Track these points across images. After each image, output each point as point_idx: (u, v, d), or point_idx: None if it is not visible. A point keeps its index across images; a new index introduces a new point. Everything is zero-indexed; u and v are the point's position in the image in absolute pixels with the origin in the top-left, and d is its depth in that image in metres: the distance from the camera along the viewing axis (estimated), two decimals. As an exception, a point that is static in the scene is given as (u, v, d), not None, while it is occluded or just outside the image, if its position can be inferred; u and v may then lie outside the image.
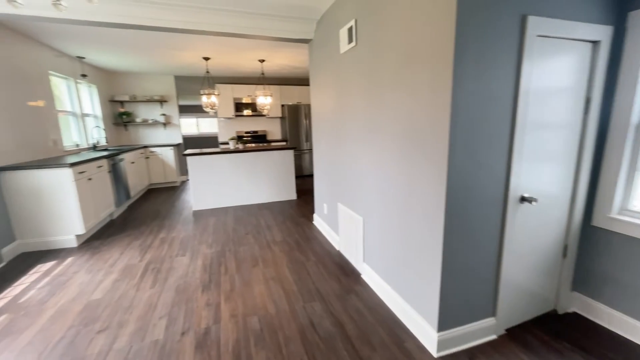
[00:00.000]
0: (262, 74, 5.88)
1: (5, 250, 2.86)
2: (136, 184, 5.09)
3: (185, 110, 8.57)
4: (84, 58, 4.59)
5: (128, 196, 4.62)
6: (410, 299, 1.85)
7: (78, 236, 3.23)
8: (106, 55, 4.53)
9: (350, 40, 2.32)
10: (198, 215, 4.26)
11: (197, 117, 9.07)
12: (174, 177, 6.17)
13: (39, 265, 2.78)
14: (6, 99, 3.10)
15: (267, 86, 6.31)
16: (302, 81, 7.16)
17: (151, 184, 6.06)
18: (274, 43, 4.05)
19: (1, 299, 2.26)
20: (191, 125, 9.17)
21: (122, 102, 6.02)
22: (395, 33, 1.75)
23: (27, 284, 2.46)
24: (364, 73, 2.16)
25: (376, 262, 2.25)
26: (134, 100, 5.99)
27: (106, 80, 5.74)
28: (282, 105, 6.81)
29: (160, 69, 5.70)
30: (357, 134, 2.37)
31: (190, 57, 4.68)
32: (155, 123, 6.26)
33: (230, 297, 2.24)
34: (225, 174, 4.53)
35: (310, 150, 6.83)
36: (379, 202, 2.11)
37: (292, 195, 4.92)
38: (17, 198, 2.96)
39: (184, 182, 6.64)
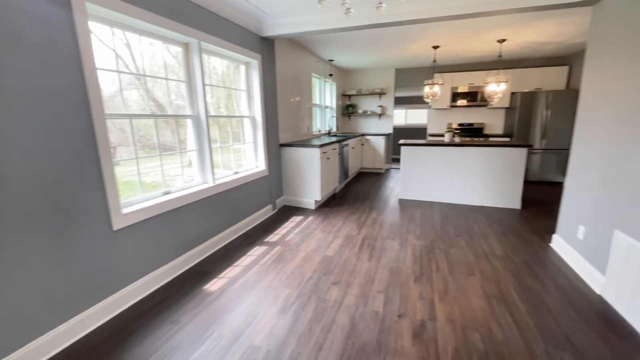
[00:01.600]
0: (500, 56, 5.06)
1: (278, 200, 4.11)
2: (352, 167, 5.92)
3: (398, 101, 9.00)
4: (332, 60, 5.70)
5: (346, 176, 5.45)
6: None
7: (316, 201, 4.14)
8: (347, 56, 5.40)
9: None
10: (404, 204, 4.38)
11: (406, 109, 9.32)
12: (381, 164, 6.68)
13: (294, 217, 3.80)
14: (286, 96, 4.34)
15: (501, 71, 5.40)
16: (548, 61, 5.62)
17: (362, 168, 6.88)
18: (525, 16, 3.31)
19: (278, 234, 3.26)
20: (401, 116, 9.55)
21: (349, 96, 7.10)
22: None
23: (288, 228, 3.42)
24: None
25: None
26: (359, 93, 6.90)
27: (342, 77, 6.91)
28: (513, 93, 5.66)
29: (385, 63, 6.17)
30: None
31: (419, 47, 4.72)
32: (372, 114, 6.95)
33: (444, 299, 2.11)
34: (435, 167, 4.34)
35: (546, 150, 5.33)
36: None
37: (515, 203, 4.05)
38: (287, 166, 4.15)
39: (387, 170, 7.08)
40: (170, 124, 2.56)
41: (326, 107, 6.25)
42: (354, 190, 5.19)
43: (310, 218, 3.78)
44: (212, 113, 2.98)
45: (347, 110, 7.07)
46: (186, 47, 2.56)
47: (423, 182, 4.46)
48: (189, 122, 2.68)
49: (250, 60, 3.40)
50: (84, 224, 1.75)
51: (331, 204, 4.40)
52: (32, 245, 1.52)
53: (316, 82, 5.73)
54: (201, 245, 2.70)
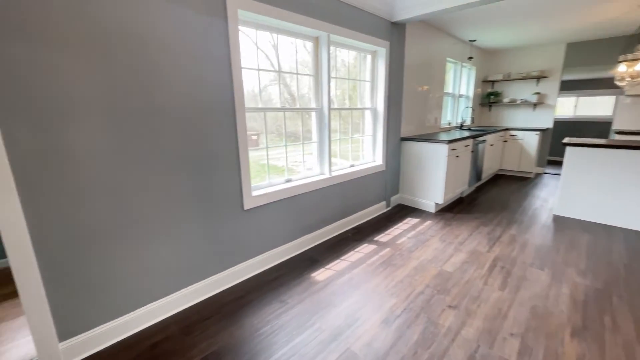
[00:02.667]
0: None
1: (393, 198, 3.88)
2: (488, 167, 4.96)
3: (565, 86, 6.95)
4: (474, 41, 4.83)
5: (479, 178, 4.61)
6: None
7: (436, 204, 3.67)
8: (496, 32, 4.44)
9: None
10: (561, 223, 3.33)
11: (577, 96, 7.08)
12: (529, 167, 5.33)
13: (409, 218, 3.49)
14: (413, 85, 3.94)
15: None
16: None
17: (500, 170, 5.70)
18: None
19: (389, 234, 3.07)
20: (567, 106, 7.35)
21: (492, 82, 5.92)
22: None
23: (401, 230, 3.16)
24: None
25: None
26: (507, 78, 5.65)
27: (484, 61, 5.82)
28: None
29: (550, 37, 4.76)
30: None
31: (619, 7, 3.36)
32: (524, 103, 5.58)
33: (626, 377, 1.44)
34: (622, 179, 3.07)
35: None
36: None
37: None
38: (407, 161, 3.83)
39: (538, 175, 5.60)
40: (301, 115, 2.73)
41: (460, 96, 5.42)
42: (488, 197, 4.34)
43: (428, 222, 3.38)
44: (335, 105, 3.00)
45: (488, 99, 5.94)
46: (316, 41, 2.63)
47: (597, 197, 3.25)
48: (312, 114, 2.79)
49: (377, 49, 3.23)
50: (223, 202, 2.07)
51: (455, 209, 3.81)
52: (187, 222, 1.90)
53: (451, 68, 5.02)
54: (313, 232, 2.81)
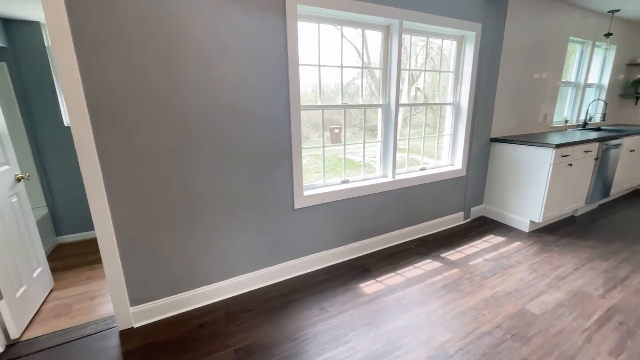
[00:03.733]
0: None
1: (474, 209, 3.31)
2: (623, 180, 3.73)
3: None
4: (617, 11, 3.63)
5: (606, 194, 3.51)
6: None
7: (532, 222, 2.96)
8: (657, -4, 3.22)
9: None
10: None
11: None
12: (697, 184, 3.79)
13: (491, 236, 2.91)
14: (514, 73, 3.21)
15: None
16: None
17: (644, 184, 4.23)
18: None
19: (461, 252, 2.63)
20: None
21: (645, 66, 4.38)
22: None
23: (478, 249, 2.66)
24: None
25: None
26: (670, 59, 4.09)
27: (632, 37, 4.34)
28: None
29: None
30: None
31: None
32: (698, 94, 3.96)
33: None
34: None
35: None
36: None
37: None
38: (497, 167, 3.19)
39: None
40: (375, 111, 2.56)
41: (589, 85, 4.20)
42: (617, 219, 3.27)
43: (517, 244, 2.75)
44: (406, 101, 2.69)
45: (635, 88, 4.44)
46: (386, 30, 2.38)
47: None
48: (379, 111, 2.56)
49: (465, 33, 2.73)
50: (275, 200, 2.09)
51: (561, 231, 3.00)
52: (246, 218, 1.99)
53: (576, 49, 3.92)
54: (369, 239, 2.62)
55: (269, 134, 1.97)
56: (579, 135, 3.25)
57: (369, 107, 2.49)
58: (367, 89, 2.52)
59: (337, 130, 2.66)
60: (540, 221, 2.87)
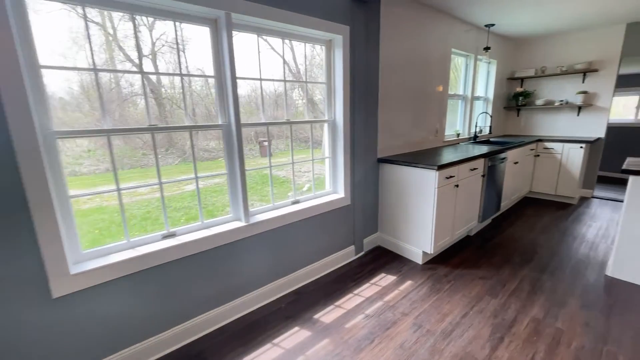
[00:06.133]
0: None
1: (367, 240, 2.87)
2: (512, 192, 3.74)
3: (624, 82, 5.45)
4: (493, 25, 3.67)
5: (497, 208, 3.43)
6: None
7: (425, 253, 2.61)
8: (522, 14, 3.27)
9: None
10: (617, 288, 2.14)
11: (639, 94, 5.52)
12: (571, 191, 4.01)
13: (382, 275, 2.46)
14: (399, 85, 2.91)
15: None
16: None
17: (531, 192, 4.41)
18: None
19: (340, 305, 2.08)
20: (628, 107, 5.76)
21: (521, 80, 4.64)
22: None
23: (362, 298, 2.16)
24: None
25: None
26: (540, 74, 4.36)
27: (509, 52, 4.57)
28: None
29: (604, 17, 3.48)
30: None
31: None
32: (564, 107, 4.26)
33: None
34: None
35: None
36: None
37: None
38: (387, 189, 2.80)
39: (584, 201, 4.24)
40: (200, 135, 1.87)
41: (477, 98, 4.25)
42: (508, 236, 3.16)
43: (408, 284, 2.34)
44: (260, 119, 2.09)
45: (516, 101, 4.67)
46: (214, 25, 1.75)
47: (686, 260, 2.02)
48: (220, 133, 1.90)
49: (333, 37, 2.28)
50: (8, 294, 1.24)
51: (455, 259, 2.71)
52: None
53: (461, 62, 3.89)
54: (215, 309, 1.91)
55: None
56: (469, 150, 3.08)
57: (196, 129, 1.81)
58: (199, 105, 1.84)
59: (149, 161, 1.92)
60: (432, 252, 2.53)
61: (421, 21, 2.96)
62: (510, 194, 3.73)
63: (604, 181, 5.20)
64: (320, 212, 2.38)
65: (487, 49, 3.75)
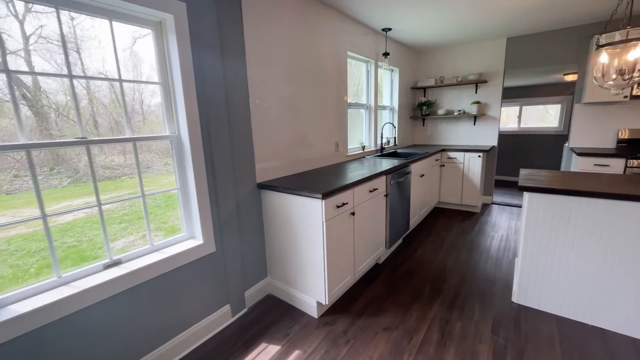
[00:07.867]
0: None
1: (253, 289, 2.19)
2: (419, 207, 3.52)
3: (508, 94, 5.99)
4: (389, 30, 3.44)
5: (406, 227, 3.12)
6: None
7: (320, 304, 2.05)
8: (416, 19, 3.07)
9: None
10: (525, 318, 1.88)
11: (521, 104, 6.14)
12: (474, 199, 4.02)
13: (262, 347, 1.80)
14: (280, 91, 2.35)
15: None
16: None
17: (440, 202, 4.34)
18: None
19: None
20: (510, 117, 6.36)
21: (424, 89, 4.63)
22: None
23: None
24: None
25: None
26: (440, 84, 4.37)
27: (411, 61, 4.51)
28: None
29: (487, 30, 3.55)
30: None
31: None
32: (462, 116, 4.33)
33: None
34: (609, 252, 1.71)
35: None
36: None
37: None
38: (271, 225, 2.18)
39: (486, 207, 4.33)
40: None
41: (382, 107, 4.01)
42: (417, 258, 2.84)
43: (295, 355, 1.72)
44: (34, 139, 1.24)
45: (420, 111, 4.62)
46: None
47: (573, 280, 1.86)
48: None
49: (163, 18, 1.57)
50: None
51: (357, 303, 2.21)
52: None
53: (361, 68, 3.57)
54: None
55: None
56: (376, 164, 2.68)
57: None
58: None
59: None
60: (327, 303, 1.97)
61: (307, 17, 2.47)
62: (419, 209, 3.50)
63: (499, 185, 5.56)
64: (166, 270, 1.61)
65: (386, 54, 3.50)
